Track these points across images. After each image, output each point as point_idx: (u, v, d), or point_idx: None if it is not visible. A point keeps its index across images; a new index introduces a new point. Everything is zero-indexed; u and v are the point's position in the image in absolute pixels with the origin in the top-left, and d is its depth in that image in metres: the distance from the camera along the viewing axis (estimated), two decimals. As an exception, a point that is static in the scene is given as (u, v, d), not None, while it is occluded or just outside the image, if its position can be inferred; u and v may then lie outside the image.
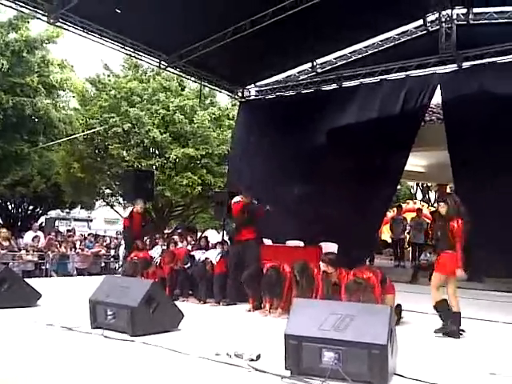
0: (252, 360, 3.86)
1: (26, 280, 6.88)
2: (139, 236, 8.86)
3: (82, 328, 4.89)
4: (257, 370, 3.66)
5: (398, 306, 5.84)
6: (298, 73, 12.78)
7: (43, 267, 11.80)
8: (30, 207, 22.33)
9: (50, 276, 11.50)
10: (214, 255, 7.27)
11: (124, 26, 10.27)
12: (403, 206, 16.75)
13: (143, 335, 4.58)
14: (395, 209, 14.70)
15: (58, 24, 10.12)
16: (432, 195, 23.81)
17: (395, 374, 3.59)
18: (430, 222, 13.17)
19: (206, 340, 4.65)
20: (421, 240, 12.50)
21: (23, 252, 11.62)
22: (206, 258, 7.25)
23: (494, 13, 9.96)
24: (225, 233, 11.50)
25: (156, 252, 7.75)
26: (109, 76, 17.83)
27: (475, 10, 10.20)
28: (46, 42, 16.88)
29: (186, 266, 7.28)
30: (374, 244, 13.80)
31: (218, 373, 3.63)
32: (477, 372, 3.84)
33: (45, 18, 9.83)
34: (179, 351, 4.13)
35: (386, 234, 17.17)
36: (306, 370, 3.52)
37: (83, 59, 23.13)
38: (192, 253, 7.83)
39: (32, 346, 4.26)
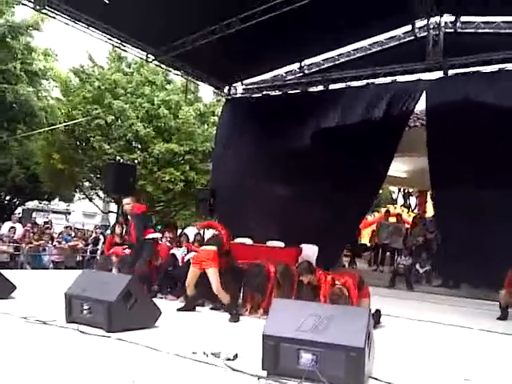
0: (229, 359, 3.82)
1: (1, 271, 6.72)
2: None
3: (57, 322, 4.79)
4: (233, 369, 3.62)
5: (378, 311, 5.86)
6: (286, 73, 12.75)
7: (18, 259, 11.58)
8: (7, 197, 21.88)
9: (24, 268, 11.28)
10: None
11: (112, 17, 10.12)
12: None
13: (119, 331, 4.50)
14: (376, 213, 14.73)
15: (45, 11, 9.92)
16: (413, 201, 24.07)
17: (371, 377, 3.60)
18: (409, 227, 13.27)
19: (183, 338, 4.60)
20: (399, 245, 12.54)
21: (-1, 242, 11.40)
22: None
23: (482, 22, 10.09)
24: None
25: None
26: (93, 67, 17.58)
27: (463, 18, 10.31)
28: (31, 28, 16.56)
29: (169, 269, 7.20)
30: (354, 247, 13.88)
31: (194, 371, 3.58)
32: (452, 378, 3.87)
33: (31, 4, 9.63)
34: (155, 348, 4.07)
35: (365, 238, 17.28)
36: (283, 370, 3.50)
37: (68, 49, 22.81)
38: (172, 250, 7.75)
39: (4, 339, 4.15)
